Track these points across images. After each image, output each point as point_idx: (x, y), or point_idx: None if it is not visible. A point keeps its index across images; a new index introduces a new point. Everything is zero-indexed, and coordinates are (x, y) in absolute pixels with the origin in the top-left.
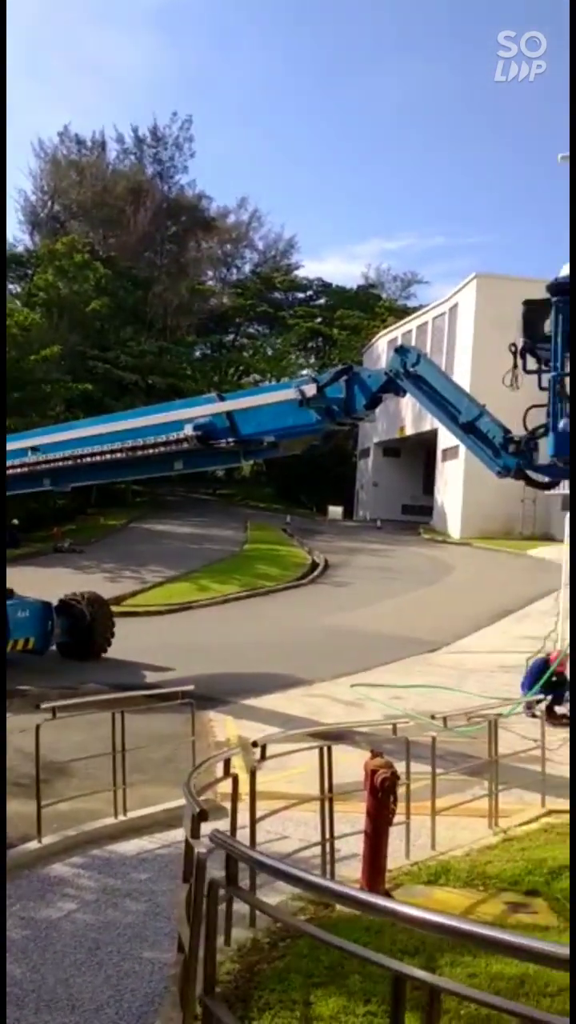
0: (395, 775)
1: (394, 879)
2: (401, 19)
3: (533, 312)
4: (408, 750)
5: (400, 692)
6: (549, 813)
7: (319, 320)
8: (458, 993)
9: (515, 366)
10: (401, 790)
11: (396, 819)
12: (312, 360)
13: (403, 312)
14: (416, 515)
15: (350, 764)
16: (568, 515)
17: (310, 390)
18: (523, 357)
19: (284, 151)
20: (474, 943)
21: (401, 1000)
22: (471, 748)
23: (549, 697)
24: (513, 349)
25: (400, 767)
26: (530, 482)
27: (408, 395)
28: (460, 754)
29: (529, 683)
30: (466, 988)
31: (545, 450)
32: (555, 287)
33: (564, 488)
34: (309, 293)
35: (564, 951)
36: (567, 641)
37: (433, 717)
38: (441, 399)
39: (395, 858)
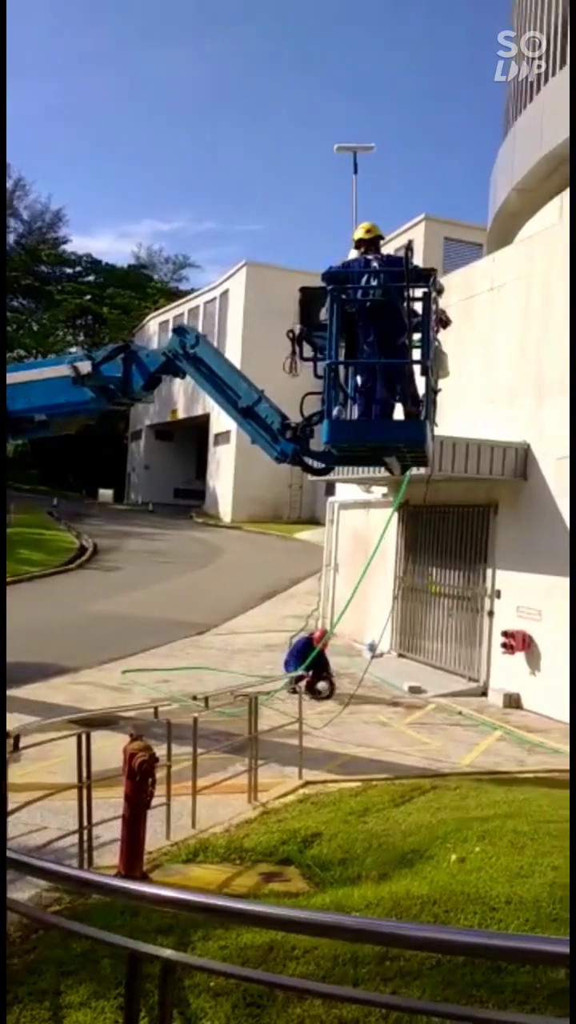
0: (153, 757)
1: (153, 860)
2: None
3: (309, 300)
4: (169, 732)
5: (167, 675)
6: (305, 784)
7: (88, 297)
8: (191, 965)
9: (292, 352)
10: (163, 772)
11: (157, 801)
12: (81, 338)
13: (175, 294)
14: (189, 499)
15: (113, 750)
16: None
17: (85, 367)
18: (299, 344)
19: (54, 118)
20: (212, 916)
21: (136, 977)
22: (233, 726)
23: (310, 674)
24: (290, 335)
25: (163, 750)
26: (306, 468)
27: (187, 377)
28: (223, 732)
29: (292, 661)
30: (198, 959)
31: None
32: (329, 276)
33: (334, 474)
34: (78, 269)
35: (297, 914)
36: (329, 619)
37: (195, 698)
38: (220, 382)
39: (156, 839)
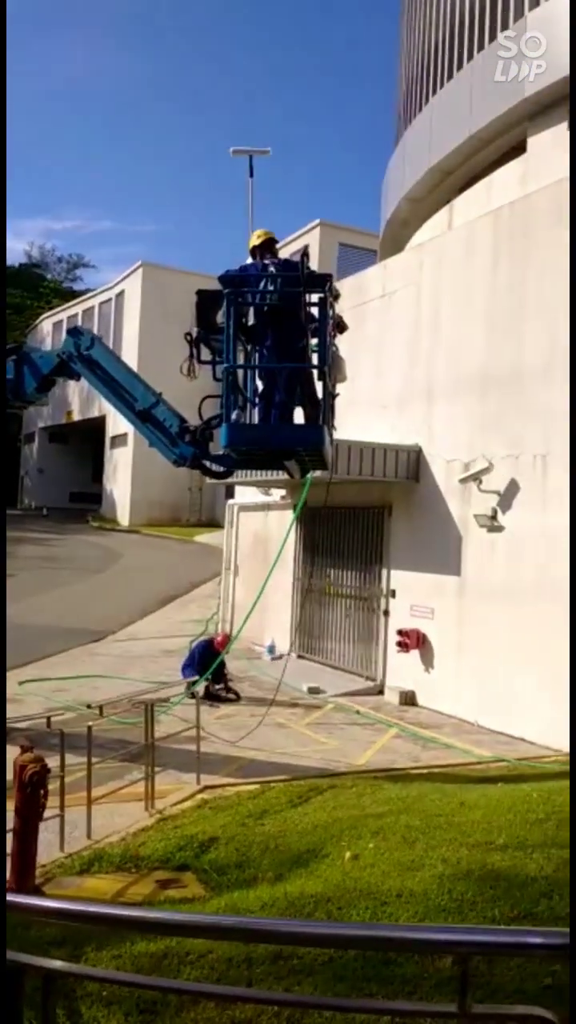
0: (44, 768)
1: (47, 873)
2: None
3: (206, 303)
4: (63, 741)
5: (63, 684)
6: (203, 789)
7: None
8: (77, 974)
9: (190, 355)
10: (58, 783)
11: (51, 813)
12: None
13: (69, 295)
14: (85, 503)
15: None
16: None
17: None
18: (197, 347)
19: None
20: (100, 925)
21: (19, 991)
22: (131, 734)
23: (208, 678)
24: (188, 338)
25: (58, 760)
26: (206, 471)
27: (82, 379)
28: (120, 740)
29: (190, 665)
30: (85, 968)
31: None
32: (227, 280)
33: (233, 477)
34: None
35: (187, 917)
36: (230, 623)
37: (89, 706)
38: (116, 385)
39: (50, 851)
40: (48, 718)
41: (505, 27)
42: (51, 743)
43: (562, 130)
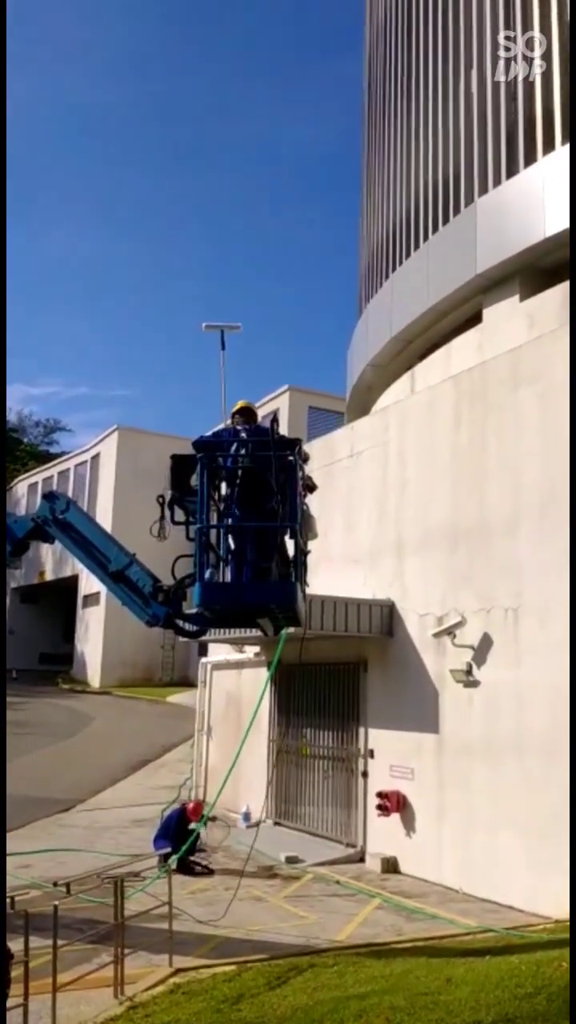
0: (8, 954)
1: None
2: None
3: (181, 466)
4: (27, 924)
5: (28, 859)
6: (176, 972)
7: None
8: None
9: (162, 516)
10: (21, 970)
11: (13, 1002)
12: None
13: (45, 457)
14: (56, 664)
15: None
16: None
17: None
18: (171, 508)
19: None
20: None
21: None
22: (100, 912)
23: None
24: (161, 500)
25: (22, 944)
26: (179, 631)
27: (56, 542)
28: (88, 920)
29: (163, 835)
30: None
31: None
32: (200, 444)
33: (207, 634)
34: None
35: None
36: (203, 788)
37: (55, 884)
38: (91, 547)
39: None
40: (12, 898)
41: (457, 211)
42: (11, 925)
43: (514, 302)
